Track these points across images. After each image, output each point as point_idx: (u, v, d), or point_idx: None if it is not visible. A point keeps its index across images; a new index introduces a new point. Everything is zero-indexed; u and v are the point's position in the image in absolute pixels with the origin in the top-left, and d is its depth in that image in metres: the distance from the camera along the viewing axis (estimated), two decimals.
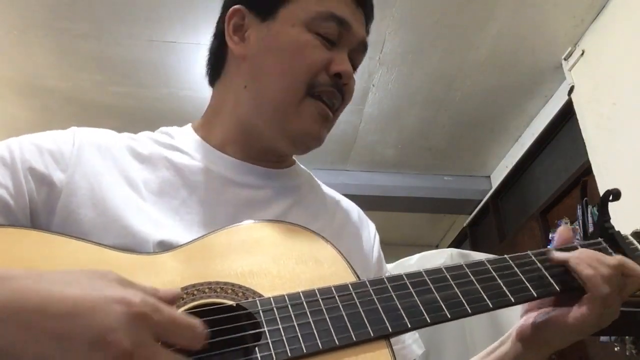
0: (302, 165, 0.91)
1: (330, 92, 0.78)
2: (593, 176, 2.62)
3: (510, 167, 3.74)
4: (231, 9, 0.82)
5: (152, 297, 0.46)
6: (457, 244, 4.66)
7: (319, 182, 0.92)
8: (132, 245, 0.63)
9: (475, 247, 4.16)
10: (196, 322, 0.47)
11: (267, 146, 0.81)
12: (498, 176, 3.95)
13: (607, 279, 0.66)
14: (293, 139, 0.78)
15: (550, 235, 3.10)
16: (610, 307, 0.67)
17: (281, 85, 0.77)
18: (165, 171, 0.75)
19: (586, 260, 0.68)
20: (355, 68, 0.83)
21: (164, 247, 0.65)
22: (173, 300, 0.50)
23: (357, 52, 0.83)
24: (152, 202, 0.70)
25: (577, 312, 0.67)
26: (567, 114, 3.05)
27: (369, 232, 0.89)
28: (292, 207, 0.80)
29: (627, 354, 1.86)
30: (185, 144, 0.80)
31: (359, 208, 0.92)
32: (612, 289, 0.66)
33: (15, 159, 0.66)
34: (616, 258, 0.70)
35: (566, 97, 2.95)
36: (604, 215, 0.79)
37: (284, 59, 0.77)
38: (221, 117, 0.82)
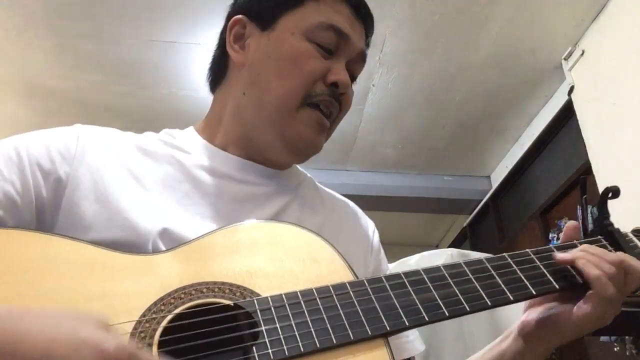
0: (299, 167, 0.92)
1: (328, 102, 0.79)
2: (591, 177, 2.62)
3: (510, 167, 3.74)
4: (233, 19, 0.83)
5: (129, 344, 0.45)
6: (457, 244, 4.66)
7: (317, 183, 0.94)
8: (134, 238, 0.64)
9: (475, 247, 4.16)
10: None
11: (267, 155, 0.82)
12: (498, 176, 3.95)
13: (612, 277, 0.67)
14: (289, 144, 0.79)
15: (550, 235, 3.10)
16: (613, 305, 0.68)
17: (278, 93, 0.77)
18: (168, 166, 0.76)
19: (592, 260, 0.69)
20: (353, 79, 0.85)
21: (167, 236, 0.65)
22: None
23: (356, 63, 0.84)
24: (155, 195, 0.71)
25: (581, 309, 0.68)
26: (567, 114, 3.05)
27: (368, 229, 0.90)
28: (291, 203, 0.81)
29: (627, 354, 1.85)
30: (188, 144, 0.81)
31: (357, 207, 0.94)
32: (617, 287, 0.67)
33: (22, 156, 0.67)
34: (618, 255, 0.71)
35: (566, 97, 2.95)
36: (603, 213, 0.79)
37: (281, 66, 0.78)
38: (223, 123, 0.84)
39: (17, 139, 0.70)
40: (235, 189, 0.77)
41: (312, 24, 0.79)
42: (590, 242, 0.76)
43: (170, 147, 0.79)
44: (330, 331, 0.56)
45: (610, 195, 0.78)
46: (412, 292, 0.62)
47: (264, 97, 0.79)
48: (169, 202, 0.71)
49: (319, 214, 0.83)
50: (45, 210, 0.66)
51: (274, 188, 0.81)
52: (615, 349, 1.95)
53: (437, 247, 5.01)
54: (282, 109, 0.77)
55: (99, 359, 0.42)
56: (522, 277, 0.68)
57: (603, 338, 1.97)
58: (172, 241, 0.65)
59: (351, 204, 0.93)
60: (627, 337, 1.81)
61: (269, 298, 0.58)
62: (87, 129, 0.76)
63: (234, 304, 0.57)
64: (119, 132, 0.80)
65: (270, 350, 0.53)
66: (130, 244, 0.62)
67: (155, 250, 0.64)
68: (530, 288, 0.67)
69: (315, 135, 0.79)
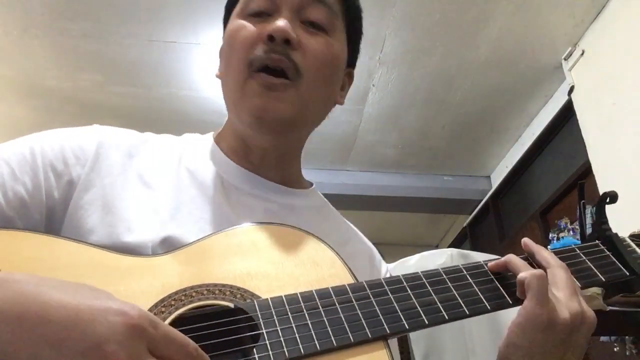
0: (320, 194, 0.90)
1: (267, 58, 0.73)
2: (591, 177, 2.62)
3: (510, 167, 3.74)
4: (220, 50, 0.87)
5: (149, 313, 0.46)
6: (457, 244, 4.67)
7: (337, 212, 0.91)
8: (133, 246, 0.63)
9: (475, 247, 4.17)
10: (189, 341, 0.47)
11: (251, 143, 0.80)
12: (498, 176, 3.95)
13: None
14: (248, 123, 0.76)
15: (550, 235, 3.10)
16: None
17: (228, 78, 0.78)
18: (179, 171, 0.76)
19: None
20: (317, 25, 0.77)
21: (167, 244, 0.65)
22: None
23: (307, 7, 0.77)
24: (162, 198, 0.71)
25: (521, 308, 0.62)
26: (567, 114, 3.05)
27: (380, 270, 0.87)
28: (299, 225, 0.77)
29: (627, 354, 1.85)
30: (201, 150, 0.82)
31: (374, 247, 0.91)
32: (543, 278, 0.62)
33: (36, 155, 0.67)
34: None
35: (566, 97, 2.95)
36: (601, 217, 0.79)
37: (225, 54, 0.80)
38: (228, 130, 0.85)
39: (34, 138, 0.70)
40: (241, 201, 0.76)
41: (241, 2, 0.79)
42: (588, 247, 0.76)
43: (183, 151, 0.80)
44: (331, 333, 0.56)
45: (608, 200, 0.78)
46: (412, 296, 0.62)
47: (224, 91, 0.81)
48: (174, 209, 0.70)
49: (330, 239, 0.73)
50: (55, 210, 0.66)
51: (280, 206, 0.80)
52: (615, 349, 1.94)
53: (437, 247, 5.01)
54: (235, 93, 0.77)
55: (124, 323, 0.43)
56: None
57: (603, 338, 1.97)
58: (173, 248, 0.65)
59: (368, 242, 0.90)
60: (627, 337, 1.81)
61: (270, 300, 0.58)
62: (103, 130, 0.76)
63: (234, 306, 0.57)
64: (136, 133, 0.80)
65: (270, 352, 0.53)
66: (130, 251, 0.62)
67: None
68: None
69: (265, 99, 0.73)
